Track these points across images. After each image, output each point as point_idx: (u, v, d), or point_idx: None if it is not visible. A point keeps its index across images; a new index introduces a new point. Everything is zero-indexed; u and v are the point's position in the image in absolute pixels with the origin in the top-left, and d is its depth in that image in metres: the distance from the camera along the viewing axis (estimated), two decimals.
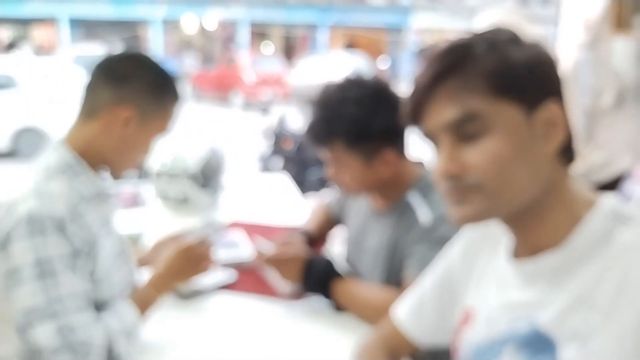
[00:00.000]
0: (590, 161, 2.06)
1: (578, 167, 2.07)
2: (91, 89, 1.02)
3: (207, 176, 1.87)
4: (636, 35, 2.01)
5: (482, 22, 2.36)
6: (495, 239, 0.77)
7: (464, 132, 0.62)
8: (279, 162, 5.03)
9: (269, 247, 1.31)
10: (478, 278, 0.78)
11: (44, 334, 0.88)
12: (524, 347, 0.65)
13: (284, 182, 2.49)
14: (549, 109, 0.62)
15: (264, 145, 5.25)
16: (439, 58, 0.63)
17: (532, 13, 18.50)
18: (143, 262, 1.30)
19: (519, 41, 0.64)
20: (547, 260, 0.65)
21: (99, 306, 0.99)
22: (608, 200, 0.65)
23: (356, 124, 1.15)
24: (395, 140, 1.20)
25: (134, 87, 1.01)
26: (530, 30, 2.38)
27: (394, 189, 1.25)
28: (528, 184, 0.62)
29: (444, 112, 0.62)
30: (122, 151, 1.03)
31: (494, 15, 2.35)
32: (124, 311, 1.02)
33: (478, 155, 0.61)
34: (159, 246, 1.34)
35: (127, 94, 1.00)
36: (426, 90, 0.63)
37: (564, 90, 0.64)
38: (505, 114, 0.61)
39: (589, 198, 0.66)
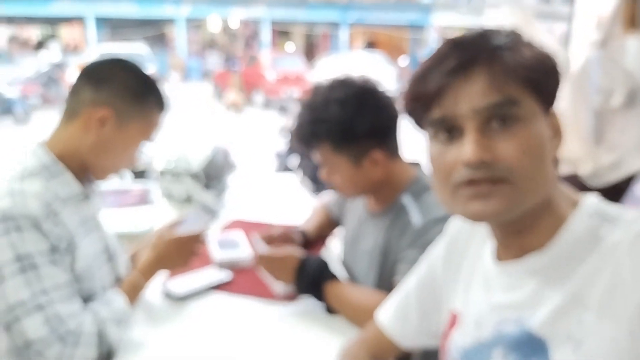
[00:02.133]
0: (601, 162, 2.02)
1: (588, 167, 2.03)
2: (73, 91, 1.05)
3: (210, 176, 1.89)
4: None
5: (491, 20, 2.33)
6: (479, 241, 0.77)
7: (500, 117, 0.59)
8: (295, 160, 5.05)
9: (263, 246, 1.31)
10: (464, 280, 0.78)
11: (32, 327, 0.89)
12: (515, 350, 0.65)
13: (292, 181, 2.49)
14: (555, 115, 0.64)
15: (280, 144, 5.28)
16: (468, 44, 0.62)
17: (552, 10, 18.23)
18: (135, 257, 1.32)
19: (532, 43, 0.64)
20: (533, 262, 0.64)
21: (85, 299, 1.00)
22: (591, 199, 0.65)
23: (340, 125, 1.14)
24: (384, 140, 1.19)
25: (112, 89, 1.03)
26: (539, 32, 2.34)
27: (388, 191, 1.24)
28: (547, 181, 0.61)
29: (481, 95, 0.59)
30: (99, 153, 1.04)
31: (504, 14, 2.32)
32: (112, 299, 1.04)
33: (513, 143, 0.59)
34: (152, 239, 1.36)
35: (104, 96, 1.02)
36: (456, 74, 0.60)
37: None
38: (535, 108, 0.60)
39: (572, 198, 0.66)
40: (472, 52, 0.60)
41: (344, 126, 1.14)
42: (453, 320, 0.78)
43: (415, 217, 1.16)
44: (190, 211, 1.40)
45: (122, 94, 1.04)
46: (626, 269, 0.57)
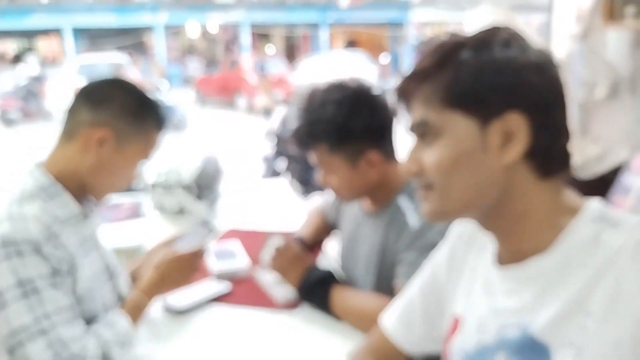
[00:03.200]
0: (587, 154, 2.05)
1: (575, 159, 2.06)
2: (71, 112, 1.04)
3: (202, 186, 1.88)
4: (628, 26, 1.99)
5: (473, 18, 2.35)
6: (481, 245, 0.77)
7: (423, 134, 0.67)
8: (282, 163, 5.04)
9: (270, 252, 1.34)
10: (466, 284, 0.78)
11: (36, 351, 0.88)
12: (517, 354, 0.65)
13: (283, 187, 2.49)
14: (507, 121, 0.61)
15: (267, 147, 5.27)
16: (413, 68, 0.68)
17: (530, 1, 18.45)
18: (135, 274, 1.31)
19: (488, 50, 0.63)
20: (533, 266, 0.64)
21: (84, 323, 0.99)
22: (594, 204, 0.64)
23: (336, 125, 1.16)
24: (379, 141, 1.20)
25: (111, 109, 1.03)
26: (520, 27, 2.36)
27: (384, 193, 1.25)
28: (473, 189, 0.65)
29: (414, 114, 0.68)
30: (98, 174, 1.04)
31: (483, 12, 2.34)
32: (115, 320, 1.03)
33: (427, 158, 0.67)
34: (151, 255, 1.35)
35: (103, 116, 1.02)
36: (400, 95, 0.70)
37: (542, 98, 0.62)
38: (456, 124, 0.64)
39: (575, 204, 0.65)
40: (410, 77, 0.68)
41: (339, 126, 1.16)
42: (455, 324, 0.78)
43: (412, 218, 1.16)
44: (188, 226, 1.39)
45: (121, 114, 1.03)
46: (629, 275, 0.57)
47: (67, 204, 1.01)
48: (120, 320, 1.04)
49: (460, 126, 0.63)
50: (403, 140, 1.24)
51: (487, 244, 0.75)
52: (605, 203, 0.65)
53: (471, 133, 0.63)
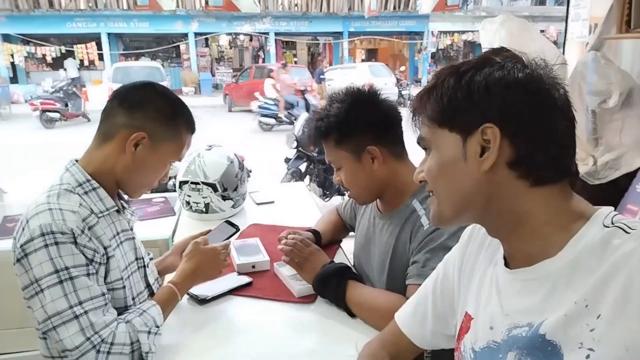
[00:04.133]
0: (600, 161, 2.07)
1: (587, 166, 2.09)
2: (107, 114, 1.12)
3: (227, 185, 1.96)
4: None
5: (487, 28, 2.40)
6: (490, 247, 0.82)
7: (424, 148, 0.78)
8: (303, 166, 5.15)
9: (294, 241, 1.42)
10: (477, 285, 0.81)
11: (68, 336, 0.94)
12: (529, 354, 0.66)
13: (303, 191, 2.57)
14: (484, 133, 0.67)
15: (289, 151, 5.38)
16: (417, 96, 0.78)
17: (546, 12, 18.11)
18: (161, 266, 1.41)
19: (471, 74, 0.69)
20: (543, 268, 0.67)
21: (118, 311, 1.06)
22: (606, 211, 0.67)
23: (338, 118, 1.27)
24: (381, 137, 1.28)
25: (146, 113, 1.10)
26: (536, 37, 2.40)
27: (397, 194, 1.31)
28: (458, 194, 0.72)
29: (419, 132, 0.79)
30: (133, 173, 1.12)
31: (498, 22, 2.38)
32: (147, 309, 1.09)
33: (427, 166, 0.77)
34: (176, 249, 1.46)
35: (138, 120, 1.10)
36: (412, 112, 0.80)
37: (521, 112, 0.66)
38: (443, 139, 0.73)
39: (587, 211, 0.68)
40: (413, 104, 0.78)
41: (341, 120, 1.27)
42: (467, 323, 0.81)
43: (425, 220, 1.22)
44: (213, 225, 1.48)
45: (155, 117, 1.11)
46: (639, 278, 0.58)
47: (102, 199, 1.09)
48: (151, 309, 1.10)
49: (446, 141, 0.72)
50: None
51: (494, 246, 0.81)
52: (618, 210, 0.71)
53: (454, 145, 0.71)
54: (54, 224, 0.97)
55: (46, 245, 0.96)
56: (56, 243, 0.96)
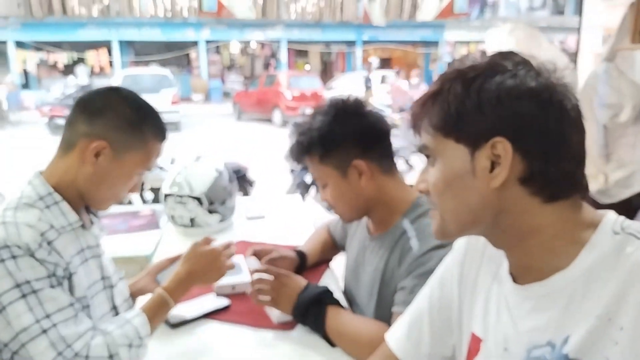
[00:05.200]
0: (611, 179, 1.96)
1: (598, 184, 1.98)
2: (69, 122, 1.06)
3: (213, 199, 1.87)
4: None
5: (495, 36, 2.31)
6: (495, 262, 0.76)
7: (426, 156, 0.73)
8: (309, 177, 5.06)
9: (256, 265, 1.31)
10: (483, 303, 0.77)
11: (38, 352, 0.88)
12: None
13: (298, 205, 2.48)
14: (494, 147, 0.63)
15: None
16: (418, 101, 0.73)
17: (563, 22, 18.05)
18: (134, 288, 1.31)
19: (480, 80, 0.64)
20: (556, 282, 0.64)
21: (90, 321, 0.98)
22: (612, 216, 0.65)
23: (321, 132, 1.19)
24: (367, 151, 1.20)
25: (106, 120, 1.04)
26: (545, 46, 2.30)
27: (386, 213, 1.23)
28: (466, 210, 0.68)
29: (420, 138, 0.73)
30: (96, 184, 1.05)
31: (506, 30, 2.29)
32: (131, 320, 1.01)
33: (429, 178, 0.72)
34: (150, 272, 1.36)
35: (98, 128, 1.03)
36: (411, 119, 0.75)
37: (533, 125, 0.62)
38: (449, 150, 0.68)
39: (594, 218, 0.65)
40: (416, 109, 0.72)
41: (324, 133, 1.18)
42: (476, 345, 0.77)
43: (415, 243, 1.14)
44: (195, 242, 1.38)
45: (116, 125, 1.04)
46: None
47: (64, 213, 1.02)
48: (135, 318, 1.02)
49: (452, 152, 0.67)
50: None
51: (495, 259, 0.76)
52: None
53: (462, 158, 0.66)
54: (8, 239, 0.91)
55: (2, 260, 0.89)
56: (13, 257, 0.90)
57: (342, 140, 1.18)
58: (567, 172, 0.64)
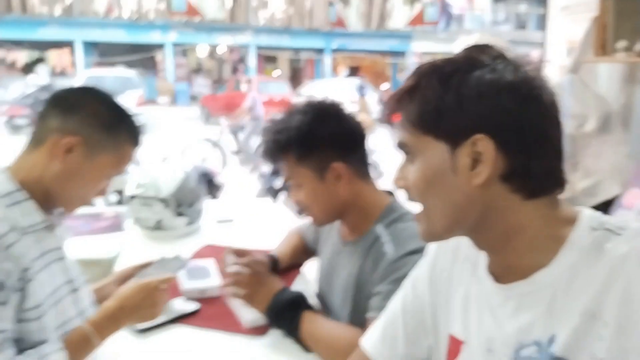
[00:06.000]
0: (577, 188, 2.02)
1: (565, 193, 2.03)
2: (41, 118, 1.01)
3: (182, 201, 1.82)
4: (620, 59, 1.98)
5: (461, 46, 2.35)
6: (471, 262, 0.76)
7: (405, 153, 0.71)
8: (278, 181, 5.03)
9: (235, 265, 1.27)
10: (461, 304, 0.76)
11: None
12: None
13: (269, 208, 2.46)
14: (475, 144, 0.62)
15: (264, 165, 5.28)
16: (394, 92, 0.71)
17: (526, 36, 18.80)
18: (100, 294, 1.23)
19: (457, 75, 0.63)
20: (538, 280, 0.64)
21: (30, 345, 0.91)
22: (588, 212, 0.65)
23: (300, 131, 1.16)
24: (346, 154, 1.18)
25: (82, 118, 1.00)
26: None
27: (360, 217, 1.22)
28: (450, 209, 0.67)
29: (397, 135, 0.72)
30: (64, 182, 1.00)
31: (475, 39, 2.33)
32: (46, 354, 0.91)
33: (409, 175, 0.70)
34: (117, 279, 1.29)
35: (73, 124, 0.99)
36: (386, 115, 0.74)
37: (514, 120, 0.62)
38: (428, 147, 0.66)
39: (570, 214, 0.65)
40: (391, 104, 0.71)
41: (304, 133, 1.16)
42: (455, 347, 0.76)
43: (389, 248, 1.13)
44: (163, 257, 1.31)
45: (92, 123, 1.00)
46: (637, 282, 0.57)
47: (30, 212, 0.97)
48: (52, 355, 0.91)
49: (432, 149, 0.66)
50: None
51: (471, 258, 0.75)
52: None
53: (442, 156, 0.65)
54: None
55: None
56: None
57: (322, 141, 1.16)
58: (548, 168, 0.64)
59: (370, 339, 0.88)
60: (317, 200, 1.20)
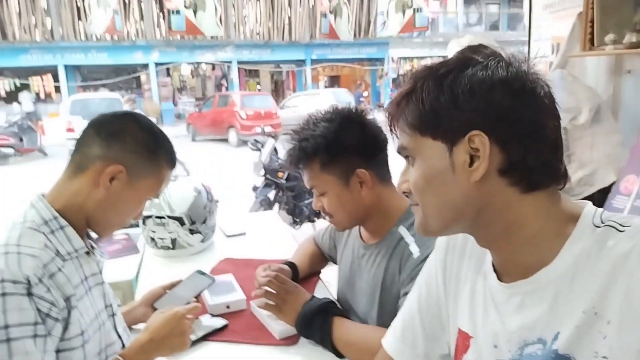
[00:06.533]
0: (573, 178, 2.07)
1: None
2: (81, 144, 1.01)
3: (194, 219, 1.84)
4: (608, 52, 2.05)
5: (454, 48, 2.41)
6: (477, 257, 0.77)
7: (406, 157, 0.73)
8: (272, 193, 5.05)
9: (266, 278, 1.30)
10: (469, 299, 0.77)
11: None
12: None
13: (274, 220, 2.48)
14: (471, 141, 0.63)
15: (256, 179, 5.29)
16: (393, 101, 0.73)
17: (500, 36, 19.13)
18: (129, 316, 1.26)
19: (451, 76, 0.64)
20: (542, 278, 0.64)
21: None
22: (591, 208, 0.65)
23: (326, 139, 1.18)
24: (370, 160, 1.21)
25: (124, 145, 1.01)
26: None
27: (381, 220, 1.24)
28: (448, 206, 0.68)
29: (398, 140, 0.73)
30: (106, 210, 1.01)
31: (466, 41, 2.40)
32: None
33: (412, 176, 0.71)
34: (145, 301, 1.32)
35: (116, 152, 1.00)
36: (388, 120, 0.75)
37: (508, 116, 0.62)
38: (427, 148, 0.68)
39: (573, 210, 0.66)
40: (390, 109, 0.73)
41: (330, 141, 1.18)
42: (464, 341, 0.76)
43: (414, 249, 1.15)
44: (185, 275, 1.34)
45: (134, 149, 1.01)
46: (639, 280, 0.57)
47: (70, 238, 0.97)
48: None
49: (430, 149, 0.67)
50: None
51: (477, 254, 0.76)
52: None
53: (440, 155, 0.66)
54: (5, 272, 0.83)
55: None
56: (3, 294, 0.82)
57: (347, 148, 1.18)
58: (544, 160, 0.64)
59: (390, 339, 0.89)
60: (342, 206, 1.22)
